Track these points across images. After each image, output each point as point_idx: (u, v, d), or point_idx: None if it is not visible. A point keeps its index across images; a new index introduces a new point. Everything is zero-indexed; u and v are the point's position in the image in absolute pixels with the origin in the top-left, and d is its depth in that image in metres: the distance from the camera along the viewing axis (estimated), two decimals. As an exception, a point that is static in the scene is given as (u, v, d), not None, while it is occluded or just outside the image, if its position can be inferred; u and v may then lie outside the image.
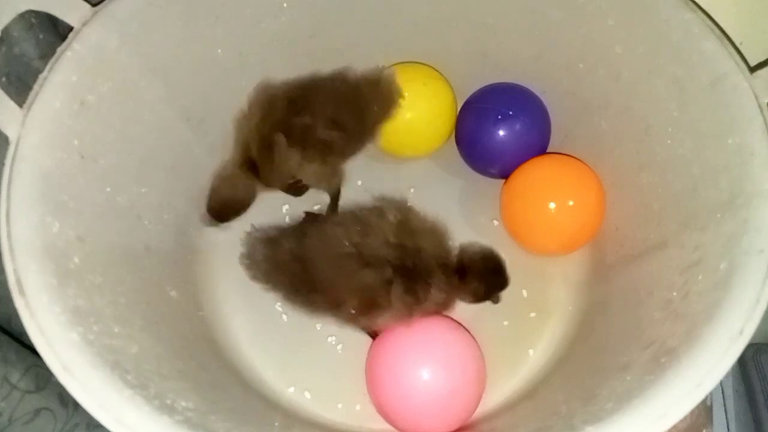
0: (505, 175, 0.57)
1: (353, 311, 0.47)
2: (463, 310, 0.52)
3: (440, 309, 0.49)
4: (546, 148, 0.59)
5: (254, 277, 0.50)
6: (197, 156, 0.55)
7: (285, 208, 0.59)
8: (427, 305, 0.47)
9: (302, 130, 0.53)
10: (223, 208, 0.54)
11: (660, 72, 0.46)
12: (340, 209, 0.56)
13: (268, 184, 0.55)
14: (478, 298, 0.50)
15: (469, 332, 0.49)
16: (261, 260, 0.50)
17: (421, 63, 0.60)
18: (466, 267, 0.49)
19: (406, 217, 0.48)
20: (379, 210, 0.48)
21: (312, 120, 0.53)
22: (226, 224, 0.54)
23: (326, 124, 0.53)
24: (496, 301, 0.52)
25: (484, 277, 0.49)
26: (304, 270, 0.47)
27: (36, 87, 0.41)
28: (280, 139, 0.52)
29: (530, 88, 0.58)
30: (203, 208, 0.54)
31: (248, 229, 0.52)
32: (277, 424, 0.46)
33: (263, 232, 0.51)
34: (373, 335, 0.52)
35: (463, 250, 0.50)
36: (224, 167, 0.54)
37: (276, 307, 0.54)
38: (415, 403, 0.45)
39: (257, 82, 0.55)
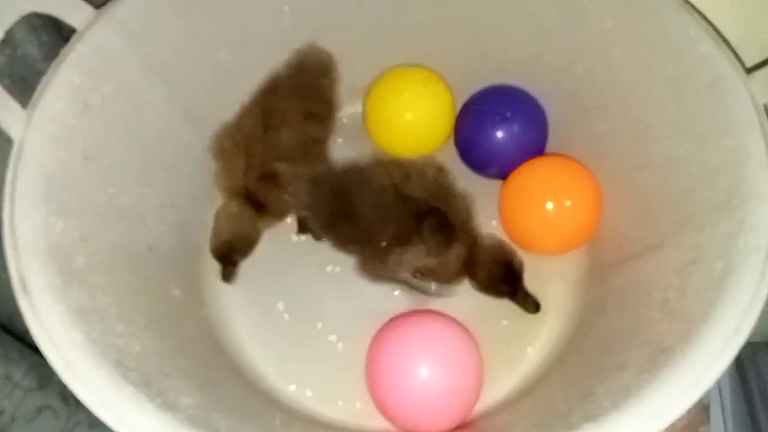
0: (503, 175, 0.57)
1: (384, 243, 0.48)
2: (462, 308, 0.53)
3: (455, 274, 0.51)
4: (544, 149, 0.59)
5: (295, 207, 0.52)
6: (199, 156, 0.55)
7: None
8: (451, 256, 0.49)
9: (297, 144, 0.53)
10: (229, 249, 0.53)
11: (658, 73, 0.46)
12: (382, 156, 0.56)
13: (277, 216, 0.54)
14: (482, 286, 0.51)
15: (468, 330, 0.50)
16: (302, 192, 0.51)
17: (420, 65, 0.60)
18: (477, 252, 0.50)
19: (444, 177, 0.51)
20: (420, 165, 0.50)
21: (294, 129, 0.53)
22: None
23: (305, 124, 0.53)
24: (531, 310, 0.52)
25: (494, 270, 0.51)
26: (342, 201, 0.49)
27: (39, 88, 0.41)
28: (284, 167, 0.52)
29: (528, 89, 0.58)
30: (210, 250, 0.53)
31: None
32: (278, 421, 0.46)
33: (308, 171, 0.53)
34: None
35: (485, 237, 0.52)
36: (223, 208, 0.53)
37: (278, 306, 0.55)
38: (414, 401, 0.46)
39: (259, 82, 0.55)
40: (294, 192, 0.52)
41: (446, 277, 0.52)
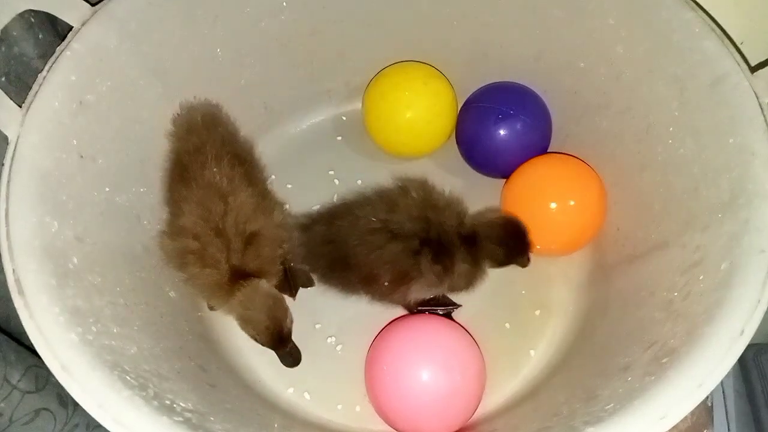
0: (505, 174, 0.57)
1: (386, 284, 0.48)
2: (464, 310, 0.52)
3: (468, 283, 0.50)
4: (547, 148, 0.58)
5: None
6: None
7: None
8: (455, 277, 0.49)
9: (260, 191, 0.50)
10: (276, 326, 0.46)
11: (661, 71, 0.46)
12: (365, 191, 0.53)
13: (273, 275, 0.49)
14: (499, 262, 0.51)
15: (469, 333, 0.49)
16: (296, 245, 0.51)
17: (421, 62, 0.60)
18: (478, 232, 0.50)
19: (428, 193, 0.50)
20: (402, 189, 0.50)
21: (246, 180, 0.49)
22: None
23: (250, 171, 0.51)
24: (523, 264, 0.51)
25: (500, 240, 0.50)
26: (337, 249, 0.49)
27: (35, 86, 0.41)
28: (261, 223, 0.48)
29: (531, 87, 0.58)
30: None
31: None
32: (276, 425, 0.45)
33: (296, 219, 0.53)
34: (412, 309, 0.52)
35: (475, 216, 0.51)
36: (237, 307, 0.46)
37: (275, 307, 0.54)
38: (414, 404, 0.45)
39: (257, 80, 0.55)
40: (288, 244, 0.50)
41: (457, 290, 0.51)
